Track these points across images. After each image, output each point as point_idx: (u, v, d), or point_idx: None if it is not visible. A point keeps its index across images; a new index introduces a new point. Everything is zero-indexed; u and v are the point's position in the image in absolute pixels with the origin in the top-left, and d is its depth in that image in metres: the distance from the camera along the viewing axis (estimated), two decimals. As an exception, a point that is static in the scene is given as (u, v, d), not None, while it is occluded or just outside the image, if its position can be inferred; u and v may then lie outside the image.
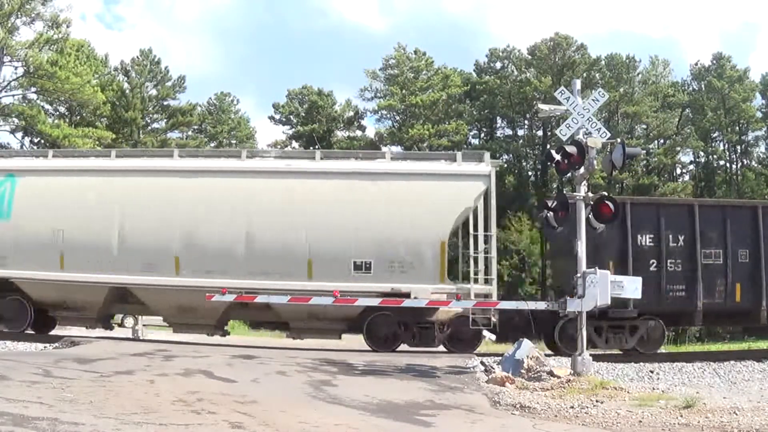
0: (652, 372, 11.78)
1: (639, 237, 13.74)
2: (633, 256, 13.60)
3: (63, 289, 13.83)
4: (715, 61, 51.25)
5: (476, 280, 13.52)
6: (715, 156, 51.40)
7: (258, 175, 14.13)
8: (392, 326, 13.47)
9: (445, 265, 13.52)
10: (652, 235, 13.78)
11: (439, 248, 13.36)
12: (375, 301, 12.50)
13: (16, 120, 37.06)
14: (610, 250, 13.47)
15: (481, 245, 13.54)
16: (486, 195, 13.82)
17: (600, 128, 10.83)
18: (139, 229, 13.85)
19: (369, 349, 13.58)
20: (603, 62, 49.62)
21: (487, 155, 14.56)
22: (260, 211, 13.74)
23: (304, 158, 15.38)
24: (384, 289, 13.09)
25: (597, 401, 8.38)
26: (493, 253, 13.70)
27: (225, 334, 14.92)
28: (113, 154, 15.38)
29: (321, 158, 14.61)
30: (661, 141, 51.02)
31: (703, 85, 51.02)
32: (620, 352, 13.89)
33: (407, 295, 12.83)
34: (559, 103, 11.18)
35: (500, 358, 11.47)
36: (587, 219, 10.48)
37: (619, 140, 10.63)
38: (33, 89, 36.78)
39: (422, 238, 13.38)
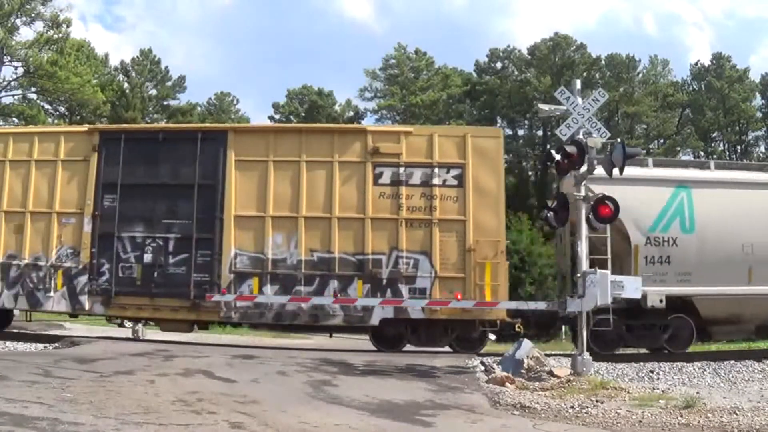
0: (652, 372, 11.75)
1: None
2: None
3: (744, 304, 13.92)
4: (714, 61, 51.31)
5: None
6: (714, 156, 51.41)
7: None
8: None
9: None
10: None
11: None
12: None
13: (16, 120, 37.07)
14: None
15: None
16: None
17: (600, 128, 10.82)
18: None
19: (367, 349, 13.58)
20: (603, 62, 49.66)
21: None
22: None
23: None
24: None
25: (597, 401, 8.38)
26: None
27: None
28: None
29: None
30: (661, 141, 51.06)
31: (702, 85, 51.07)
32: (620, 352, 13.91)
33: None
34: (559, 103, 11.16)
35: (500, 358, 11.47)
36: (587, 219, 10.47)
37: (619, 140, 10.61)
38: (33, 89, 36.88)
39: None
